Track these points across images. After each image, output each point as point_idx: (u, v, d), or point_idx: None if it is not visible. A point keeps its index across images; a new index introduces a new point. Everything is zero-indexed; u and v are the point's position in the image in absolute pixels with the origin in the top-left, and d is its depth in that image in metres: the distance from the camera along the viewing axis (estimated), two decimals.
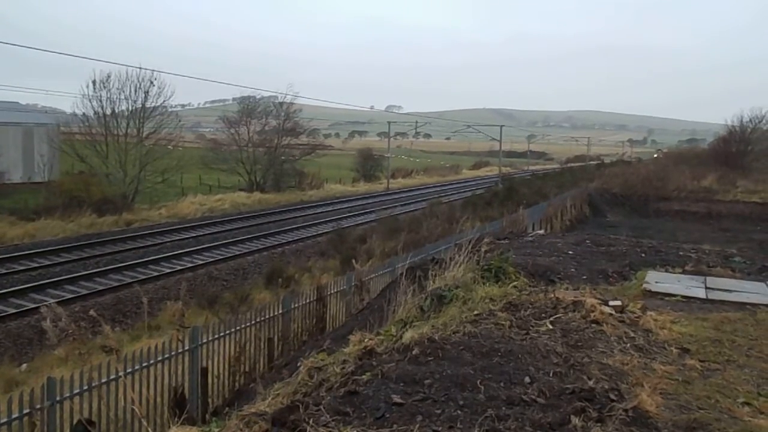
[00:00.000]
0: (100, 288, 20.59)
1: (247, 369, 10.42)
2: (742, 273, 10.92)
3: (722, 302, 8.53)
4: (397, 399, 4.71)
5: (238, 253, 27.17)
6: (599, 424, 4.30)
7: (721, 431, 4.48)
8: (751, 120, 56.84)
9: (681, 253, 12.66)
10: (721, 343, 6.61)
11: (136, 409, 7.19)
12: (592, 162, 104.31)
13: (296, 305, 12.08)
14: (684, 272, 10.65)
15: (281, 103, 54.45)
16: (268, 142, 52.78)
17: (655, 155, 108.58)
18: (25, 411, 6.77)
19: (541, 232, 19.56)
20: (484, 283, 8.19)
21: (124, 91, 39.52)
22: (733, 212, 38.31)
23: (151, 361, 8.44)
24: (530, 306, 7.25)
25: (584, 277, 9.97)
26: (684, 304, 8.44)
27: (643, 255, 12.19)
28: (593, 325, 6.66)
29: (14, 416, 6.68)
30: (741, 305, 8.35)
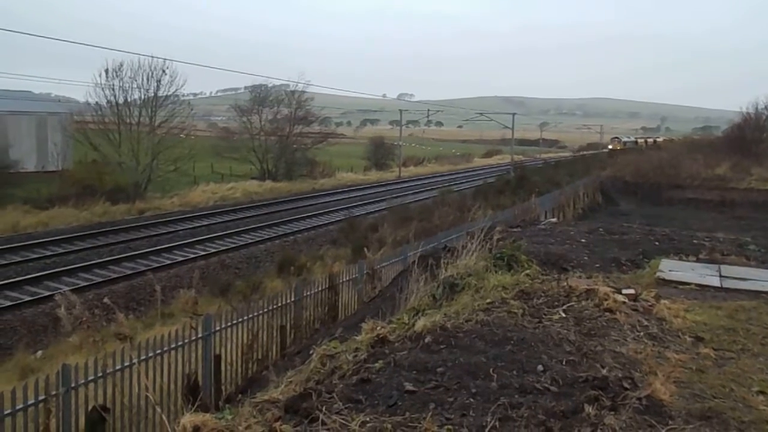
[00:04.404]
0: (114, 276, 20.74)
1: (259, 356, 10.46)
2: (756, 261, 10.85)
3: (737, 290, 8.48)
4: (409, 387, 4.72)
5: (250, 241, 27.26)
6: (612, 413, 4.28)
7: (735, 420, 4.46)
8: (766, 107, 56.21)
9: (695, 241, 12.58)
10: (735, 332, 6.57)
11: (150, 396, 7.24)
12: (604, 150, 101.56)
13: (308, 293, 12.09)
14: (698, 260, 10.59)
15: (293, 92, 54.42)
16: (280, 130, 52.76)
17: (610, 146, 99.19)
18: (41, 397, 6.83)
19: (554, 220, 19.51)
20: (496, 272, 8.16)
21: (136, 80, 39.65)
22: (748, 200, 37.91)
23: (165, 349, 8.49)
24: (543, 294, 7.22)
25: (597, 265, 9.92)
26: (698, 292, 8.39)
27: (656, 243, 12.12)
28: (606, 313, 6.63)
29: (30, 402, 6.74)
30: (756, 293, 8.29)
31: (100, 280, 20.25)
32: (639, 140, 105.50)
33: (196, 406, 5.48)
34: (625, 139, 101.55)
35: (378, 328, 6.01)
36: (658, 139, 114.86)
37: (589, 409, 4.31)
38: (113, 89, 39.35)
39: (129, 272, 21.20)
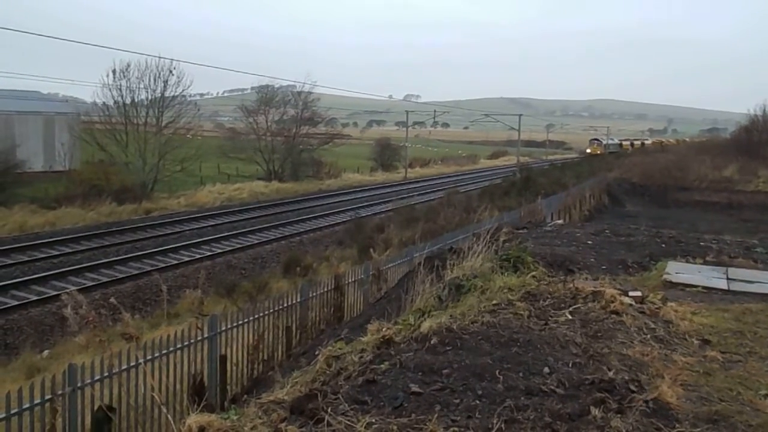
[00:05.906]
0: (120, 276, 20.79)
1: (265, 357, 10.46)
2: (764, 264, 10.80)
3: (744, 293, 8.45)
4: (415, 388, 4.71)
5: (256, 241, 27.30)
6: (619, 416, 4.27)
7: (742, 423, 4.43)
8: None
9: (702, 243, 12.54)
10: (742, 335, 6.54)
11: (156, 396, 7.24)
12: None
13: (314, 294, 12.08)
14: (705, 263, 10.55)
15: (299, 92, 54.53)
16: (286, 131, 52.87)
17: (588, 150, 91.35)
18: (47, 397, 6.84)
19: (560, 222, 19.48)
20: (502, 273, 8.14)
21: (143, 81, 39.87)
22: (755, 202, 37.75)
23: (171, 349, 8.49)
24: (549, 296, 7.21)
25: (603, 267, 9.90)
26: (705, 294, 8.36)
27: (663, 245, 12.08)
28: (613, 315, 6.61)
29: (36, 402, 6.76)
30: (763, 296, 8.26)
31: (107, 279, 20.31)
32: (624, 143, 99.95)
33: (201, 406, 5.48)
34: (608, 142, 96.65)
35: (384, 329, 6.01)
36: (646, 142, 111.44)
37: (595, 411, 4.30)
38: (120, 90, 39.59)
39: (135, 272, 21.25)
